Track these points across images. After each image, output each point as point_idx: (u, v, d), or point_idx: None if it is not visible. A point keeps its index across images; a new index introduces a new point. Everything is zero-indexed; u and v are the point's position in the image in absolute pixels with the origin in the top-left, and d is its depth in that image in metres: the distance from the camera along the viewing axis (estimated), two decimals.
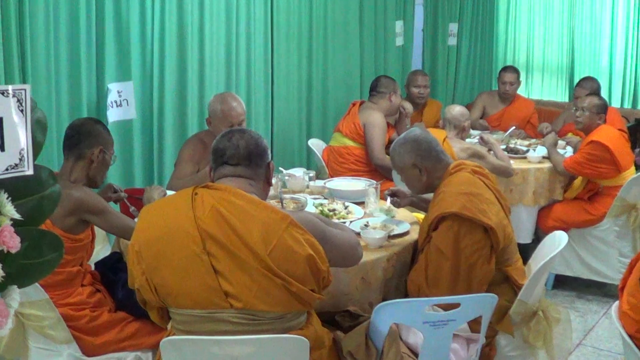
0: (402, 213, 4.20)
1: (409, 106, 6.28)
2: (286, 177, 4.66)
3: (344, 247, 2.87)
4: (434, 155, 3.69)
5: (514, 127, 6.70)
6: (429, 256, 3.49)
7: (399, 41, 7.44)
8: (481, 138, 5.81)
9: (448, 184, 3.59)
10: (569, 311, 5.24)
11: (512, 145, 6.21)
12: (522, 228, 5.80)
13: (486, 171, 3.78)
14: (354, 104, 5.87)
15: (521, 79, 7.56)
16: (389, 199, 4.09)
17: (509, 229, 3.62)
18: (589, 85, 6.63)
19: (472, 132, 6.57)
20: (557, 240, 3.73)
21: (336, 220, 3.62)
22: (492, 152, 5.60)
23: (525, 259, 3.91)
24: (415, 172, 3.69)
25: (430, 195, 3.90)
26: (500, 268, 3.55)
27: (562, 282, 5.93)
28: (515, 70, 7.30)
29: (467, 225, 3.42)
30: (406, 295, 3.64)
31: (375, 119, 5.62)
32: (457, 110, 5.53)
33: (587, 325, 5.27)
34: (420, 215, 4.13)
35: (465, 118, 5.48)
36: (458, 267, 3.42)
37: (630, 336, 2.88)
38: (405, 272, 3.69)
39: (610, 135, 5.56)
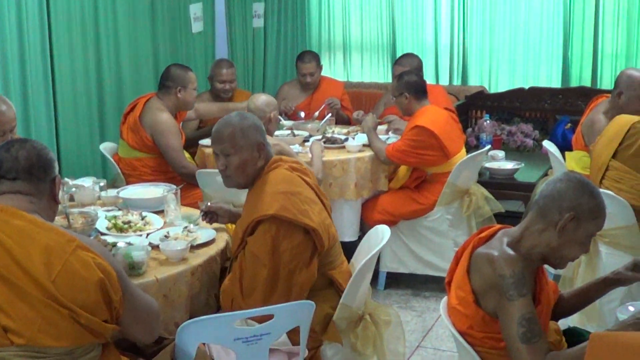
0: None
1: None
2: (73, 189, 4.57)
3: (141, 305, 2.84)
4: (268, 143, 3.76)
5: (330, 115, 6.86)
6: (244, 264, 3.53)
7: (198, 27, 7.41)
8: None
9: (264, 183, 3.63)
10: (406, 311, 5.49)
11: (329, 135, 6.31)
12: (346, 225, 5.84)
13: (305, 167, 3.85)
14: (135, 103, 5.72)
15: (338, 60, 7.78)
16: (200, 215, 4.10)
17: (333, 229, 3.72)
18: (408, 63, 6.81)
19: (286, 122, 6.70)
20: (380, 234, 3.87)
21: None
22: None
23: (350, 259, 4.02)
24: (254, 155, 3.67)
25: None
26: (324, 272, 3.63)
27: (395, 281, 6.11)
28: (312, 58, 7.39)
29: (285, 228, 3.48)
30: (219, 310, 3.68)
31: (161, 125, 5.53)
32: (262, 99, 5.45)
33: (425, 325, 5.45)
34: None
35: (271, 108, 5.39)
36: (276, 274, 3.48)
37: (461, 333, 3.03)
38: (215, 285, 3.73)
39: (436, 117, 5.73)
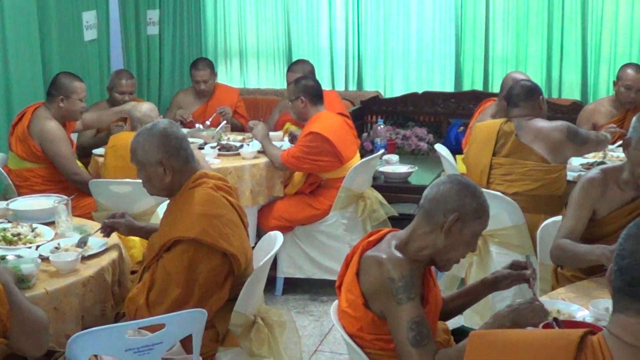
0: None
1: None
2: None
3: (29, 317, 2.80)
4: (183, 155, 3.62)
5: (225, 122, 6.88)
6: (155, 276, 3.51)
7: (91, 34, 7.30)
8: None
9: (187, 200, 3.58)
10: (303, 316, 5.52)
11: (224, 142, 6.33)
12: None
13: (229, 185, 3.81)
14: (24, 112, 5.61)
15: (234, 67, 7.74)
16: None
17: (250, 251, 3.75)
18: (300, 69, 6.90)
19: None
20: (273, 240, 3.90)
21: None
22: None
23: None
24: (159, 171, 3.58)
25: (155, 225, 3.91)
26: (236, 292, 3.63)
27: (292, 286, 6.16)
28: (206, 65, 7.44)
29: (205, 251, 3.47)
30: (120, 320, 3.65)
31: (48, 134, 5.45)
32: (145, 107, 5.49)
33: (323, 329, 5.51)
34: None
35: (156, 114, 5.44)
36: (189, 294, 3.47)
37: (352, 335, 3.06)
38: (109, 296, 3.70)
39: (330, 123, 5.80)
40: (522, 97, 5.04)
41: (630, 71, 6.22)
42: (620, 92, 6.24)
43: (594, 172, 3.85)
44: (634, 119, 3.70)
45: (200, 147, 6.04)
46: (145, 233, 4.00)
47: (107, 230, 3.97)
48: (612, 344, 1.96)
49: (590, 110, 6.51)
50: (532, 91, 5.08)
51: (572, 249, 3.63)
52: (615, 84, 6.32)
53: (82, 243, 3.88)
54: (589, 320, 3.08)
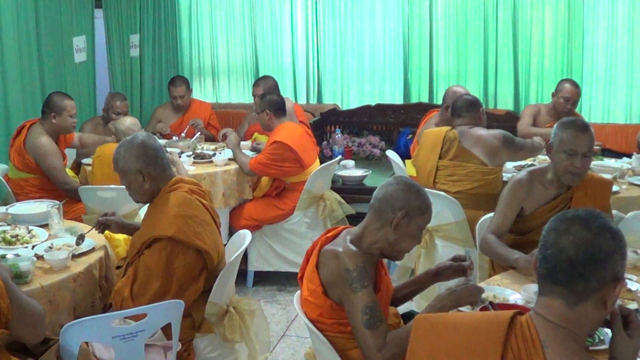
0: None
1: None
2: None
3: (27, 309, 2.81)
4: (160, 164, 3.64)
5: (199, 133, 6.89)
6: (137, 271, 3.52)
7: (80, 57, 7.30)
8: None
9: (165, 203, 3.59)
10: (272, 305, 5.54)
11: (198, 151, 6.34)
12: None
13: (203, 189, 3.83)
14: (22, 127, 5.59)
15: (207, 83, 7.70)
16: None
17: (222, 248, 3.77)
18: (263, 84, 6.90)
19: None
20: (242, 238, 3.93)
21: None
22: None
23: None
24: (138, 179, 3.61)
25: (138, 223, 3.92)
26: (210, 284, 3.65)
27: (262, 279, 6.18)
28: (182, 82, 7.45)
29: (180, 247, 3.48)
30: (107, 310, 3.66)
31: (41, 149, 5.44)
32: (129, 121, 5.51)
33: (290, 316, 5.53)
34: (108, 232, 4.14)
35: (138, 127, 5.45)
36: (168, 286, 3.48)
37: (313, 320, 3.09)
38: (98, 289, 3.71)
39: (292, 133, 5.83)
40: (464, 109, 5.14)
41: (568, 85, 6.34)
42: (558, 103, 6.34)
43: (522, 174, 3.92)
44: (555, 126, 3.78)
45: (178, 156, 6.05)
46: (133, 230, 4.00)
47: (100, 227, 4.00)
48: (538, 323, 2.01)
49: (534, 108, 6.66)
50: (473, 104, 5.18)
51: (495, 248, 3.72)
52: (553, 95, 6.42)
53: (79, 239, 3.89)
54: (520, 302, 3.14)
